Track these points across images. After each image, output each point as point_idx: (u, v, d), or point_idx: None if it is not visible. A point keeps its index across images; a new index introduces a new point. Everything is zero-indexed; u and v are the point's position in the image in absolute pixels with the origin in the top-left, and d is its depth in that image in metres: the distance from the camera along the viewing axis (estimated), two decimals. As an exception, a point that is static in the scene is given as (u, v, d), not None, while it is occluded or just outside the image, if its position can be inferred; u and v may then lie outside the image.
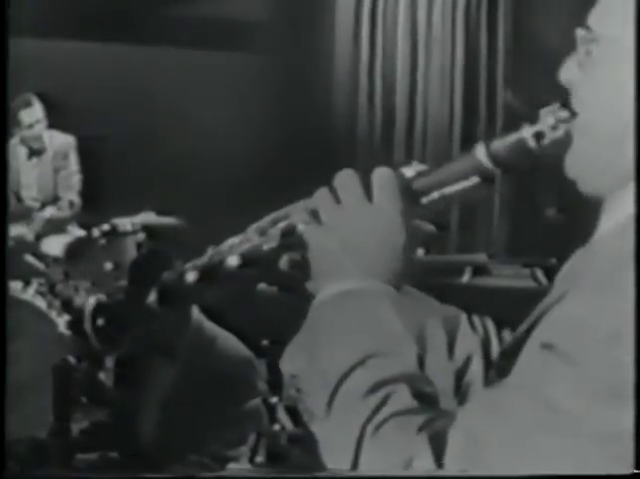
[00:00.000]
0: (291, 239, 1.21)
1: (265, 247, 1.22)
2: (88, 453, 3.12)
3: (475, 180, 1.20)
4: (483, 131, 5.27)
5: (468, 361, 1.23)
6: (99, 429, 3.26)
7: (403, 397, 1.04)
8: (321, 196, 1.20)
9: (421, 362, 1.11)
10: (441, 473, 0.99)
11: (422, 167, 1.20)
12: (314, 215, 1.19)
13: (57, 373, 3.34)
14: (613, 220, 1.13)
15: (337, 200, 1.19)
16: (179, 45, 4.95)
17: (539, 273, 3.82)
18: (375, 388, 1.06)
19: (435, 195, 1.20)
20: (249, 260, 1.21)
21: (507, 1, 5.32)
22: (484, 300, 3.58)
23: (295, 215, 1.21)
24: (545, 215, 4.51)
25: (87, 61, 4.70)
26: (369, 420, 1.04)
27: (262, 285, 1.32)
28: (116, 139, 4.25)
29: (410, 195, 1.20)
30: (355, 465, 1.04)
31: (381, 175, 1.20)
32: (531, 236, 4.69)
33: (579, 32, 1.16)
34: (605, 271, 1.04)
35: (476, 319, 1.28)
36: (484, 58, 5.35)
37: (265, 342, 2.86)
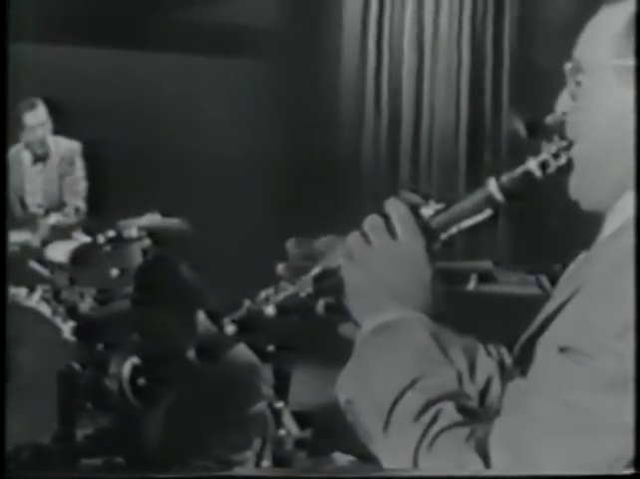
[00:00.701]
0: (325, 284, 1.29)
1: (301, 294, 1.29)
2: (92, 459, 3.12)
3: (488, 212, 1.28)
4: (489, 133, 5.27)
5: (488, 382, 1.31)
6: (103, 435, 3.26)
7: (450, 413, 1.16)
8: (353, 238, 1.28)
9: (460, 380, 1.23)
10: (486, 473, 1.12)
11: (439, 205, 1.29)
12: (347, 256, 1.28)
13: (62, 380, 3.34)
14: (614, 225, 1.21)
15: (367, 241, 1.28)
16: (184, 50, 4.95)
17: (544, 280, 3.82)
18: (425, 408, 1.17)
19: (453, 230, 1.28)
20: (286, 309, 1.27)
21: (513, 5, 5.33)
22: (490, 307, 3.58)
23: (327, 259, 1.29)
24: (548, 222, 4.52)
25: (89, 67, 4.70)
26: (423, 436, 1.15)
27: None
28: (120, 145, 4.25)
29: (429, 232, 1.28)
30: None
31: (399, 213, 1.28)
32: (536, 242, 4.69)
33: (567, 66, 1.24)
34: (609, 272, 1.12)
35: (490, 347, 1.37)
36: (490, 60, 5.36)
37: (271, 348, 2.86)
